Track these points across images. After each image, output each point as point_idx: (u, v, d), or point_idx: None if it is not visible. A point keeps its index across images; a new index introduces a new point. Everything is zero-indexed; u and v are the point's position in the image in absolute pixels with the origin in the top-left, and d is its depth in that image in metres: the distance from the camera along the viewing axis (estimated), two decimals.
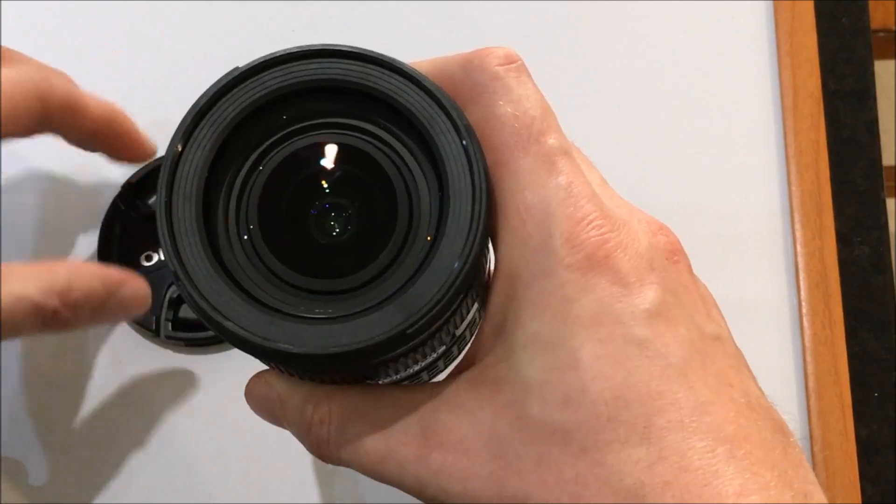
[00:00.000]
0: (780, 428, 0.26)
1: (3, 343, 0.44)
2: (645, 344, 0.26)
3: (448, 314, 0.26)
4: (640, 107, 0.50)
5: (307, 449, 0.29)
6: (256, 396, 0.31)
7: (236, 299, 0.26)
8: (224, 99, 0.27)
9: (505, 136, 0.27)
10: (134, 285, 0.36)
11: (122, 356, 0.45)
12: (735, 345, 0.28)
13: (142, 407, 0.44)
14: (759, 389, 0.27)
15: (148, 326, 0.44)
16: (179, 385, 0.44)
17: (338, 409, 0.28)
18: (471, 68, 0.28)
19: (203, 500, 0.43)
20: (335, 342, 0.25)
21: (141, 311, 0.36)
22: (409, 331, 0.25)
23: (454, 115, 0.27)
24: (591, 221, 0.26)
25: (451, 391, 0.28)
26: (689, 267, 0.29)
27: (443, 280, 0.25)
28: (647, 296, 0.26)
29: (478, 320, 0.30)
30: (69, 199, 0.47)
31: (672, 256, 0.28)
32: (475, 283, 0.27)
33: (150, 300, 0.37)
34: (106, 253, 0.45)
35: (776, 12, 0.51)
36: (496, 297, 0.28)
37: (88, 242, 0.46)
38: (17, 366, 0.44)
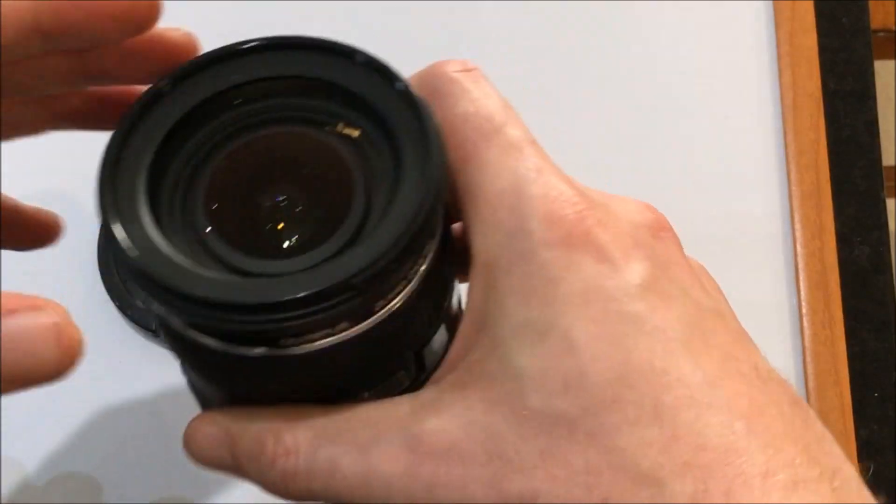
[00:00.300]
0: (796, 401, 0.25)
1: None
2: (641, 320, 0.24)
3: (398, 272, 0.25)
4: (640, 107, 0.50)
5: (267, 488, 0.26)
6: (200, 440, 0.27)
7: (166, 253, 0.24)
8: (185, 83, 0.27)
9: (467, 132, 0.27)
10: (40, 316, 0.23)
11: (123, 356, 0.45)
12: (737, 320, 0.27)
13: (142, 406, 0.44)
14: (768, 364, 0.26)
15: (148, 326, 0.44)
16: (180, 385, 0.44)
17: (305, 436, 0.26)
18: (429, 79, 0.28)
19: (204, 499, 0.43)
20: (273, 291, 0.24)
21: (59, 360, 0.23)
22: (354, 280, 0.23)
23: (410, 92, 0.26)
24: (566, 199, 0.25)
25: (433, 396, 0.26)
26: (678, 243, 0.27)
27: (394, 234, 0.24)
28: (636, 270, 0.25)
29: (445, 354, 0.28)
30: (69, 199, 0.47)
31: (658, 232, 0.27)
32: (437, 290, 0.26)
33: (77, 342, 0.23)
34: (105, 254, 0.45)
35: (776, 12, 0.51)
36: (474, 293, 0.26)
37: (89, 243, 0.46)
38: None
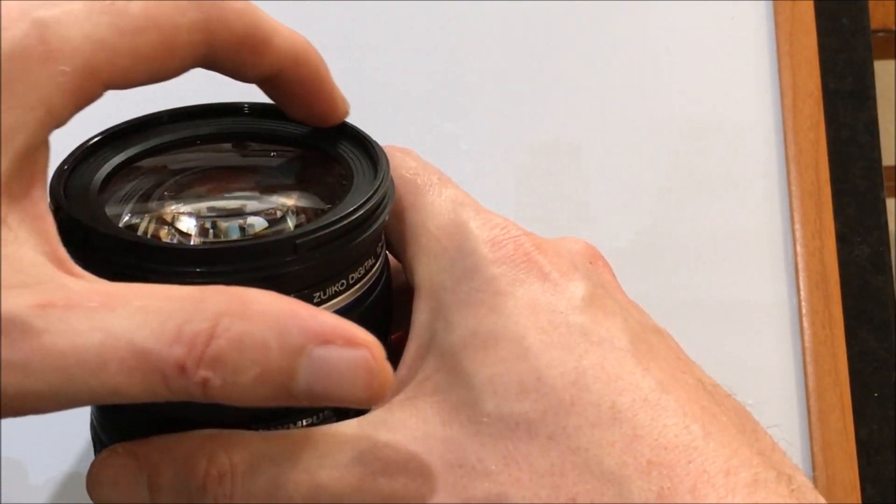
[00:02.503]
0: (745, 412, 0.26)
1: None
2: (588, 331, 0.25)
3: (339, 255, 0.25)
4: (640, 107, 0.50)
5: None
6: (109, 475, 0.25)
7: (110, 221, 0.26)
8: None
9: (407, 187, 0.29)
10: (354, 353, 0.22)
11: None
12: (675, 340, 0.28)
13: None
14: (712, 379, 0.27)
15: None
16: None
17: (241, 457, 0.24)
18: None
19: None
20: (212, 244, 0.24)
21: (367, 400, 0.22)
22: (298, 241, 0.24)
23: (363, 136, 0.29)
24: (504, 227, 0.27)
25: (382, 415, 0.25)
26: (613, 273, 0.29)
27: (337, 214, 0.25)
28: (578, 288, 0.26)
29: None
30: None
31: (595, 260, 0.29)
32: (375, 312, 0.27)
33: (386, 383, 0.22)
34: None
35: (776, 12, 0.51)
36: (419, 317, 0.27)
37: None
38: None
